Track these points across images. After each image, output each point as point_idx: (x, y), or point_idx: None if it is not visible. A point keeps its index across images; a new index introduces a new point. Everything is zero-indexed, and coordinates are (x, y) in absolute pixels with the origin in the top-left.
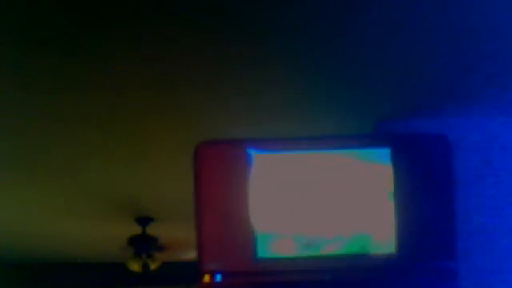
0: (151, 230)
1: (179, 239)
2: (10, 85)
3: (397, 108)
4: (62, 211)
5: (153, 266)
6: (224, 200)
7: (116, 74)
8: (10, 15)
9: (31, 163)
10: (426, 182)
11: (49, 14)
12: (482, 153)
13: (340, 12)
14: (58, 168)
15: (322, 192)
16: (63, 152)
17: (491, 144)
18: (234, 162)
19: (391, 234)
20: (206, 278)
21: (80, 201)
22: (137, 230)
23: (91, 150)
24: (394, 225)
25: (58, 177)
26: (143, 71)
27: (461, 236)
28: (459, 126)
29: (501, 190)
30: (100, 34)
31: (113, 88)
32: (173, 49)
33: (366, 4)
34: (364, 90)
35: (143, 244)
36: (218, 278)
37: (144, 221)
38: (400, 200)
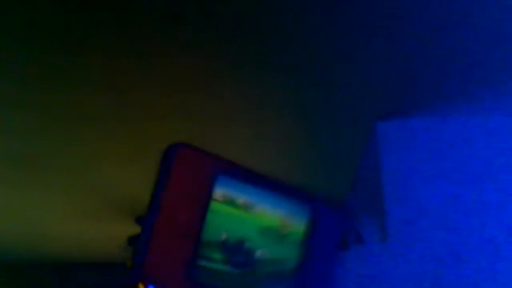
0: None
1: None
2: (11, 84)
3: (395, 108)
4: (62, 211)
5: None
6: (181, 211)
7: (117, 73)
8: (9, 14)
9: (30, 163)
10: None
11: (49, 13)
12: (481, 152)
13: (339, 10)
14: (58, 168)
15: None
16: (62, 152)
17: (491, 143)
18: (202, 178)
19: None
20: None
21: (80, 201)
22: (137, 230)
23: (91, 150)
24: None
25: (57, 177)
26: (144, 71)
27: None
28: (459, 125)
29: (502, 188)
30: (100, 33)
31: (113, 88)
32: (174, 49)
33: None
34: (362, 90)
35: None
36: None
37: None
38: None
